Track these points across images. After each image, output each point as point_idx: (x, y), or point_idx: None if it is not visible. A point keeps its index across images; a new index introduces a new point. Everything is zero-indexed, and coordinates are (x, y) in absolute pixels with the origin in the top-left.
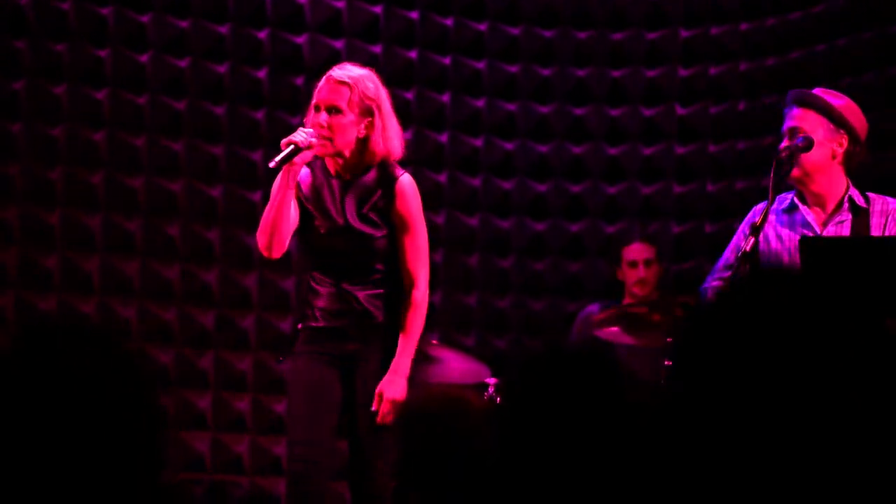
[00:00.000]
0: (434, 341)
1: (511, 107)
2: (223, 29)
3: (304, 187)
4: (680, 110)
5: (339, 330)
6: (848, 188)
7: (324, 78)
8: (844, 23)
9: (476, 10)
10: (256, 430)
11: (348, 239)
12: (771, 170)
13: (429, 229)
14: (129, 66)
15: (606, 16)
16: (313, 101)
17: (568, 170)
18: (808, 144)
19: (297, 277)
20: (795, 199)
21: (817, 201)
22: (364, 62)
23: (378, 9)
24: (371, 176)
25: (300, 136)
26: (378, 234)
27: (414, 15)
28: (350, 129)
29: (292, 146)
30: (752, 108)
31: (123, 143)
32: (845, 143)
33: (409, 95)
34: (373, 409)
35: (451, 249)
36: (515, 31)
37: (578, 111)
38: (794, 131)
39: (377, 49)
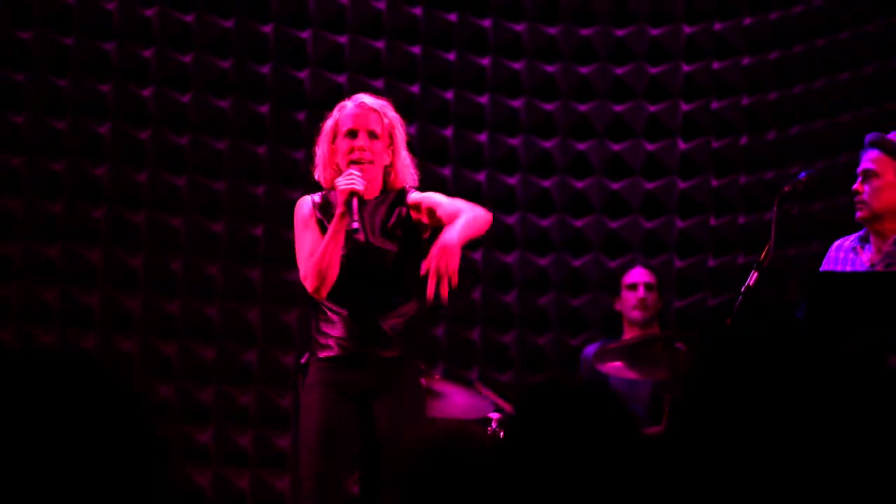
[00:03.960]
0: (437, 376)
1: (513, 142)
2: (266, 28)
3: (322, 214)
4: (682, 144)
5: (356, 360)
6: None
7: (353, 105)
8: (846, 56)
9: (479, 44)
10: (258, 464)
11: (369, 259)
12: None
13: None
14: (132, 100)
15: (609, 50)
16: (347, 127)
17: (570, 204)
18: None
19: (300, 311)
20: (859, 238)
21: (880, 240)
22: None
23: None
24: (389, 198)
25: (357, 182)
26: (399, 250)
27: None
28: (383, 155)
29: (355, 196)
30: (755, 143)
31: (125, 177)
32: None
33: (412, 130)
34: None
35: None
36: (518, 65)
37: (580, 145)
38: (867, 173)
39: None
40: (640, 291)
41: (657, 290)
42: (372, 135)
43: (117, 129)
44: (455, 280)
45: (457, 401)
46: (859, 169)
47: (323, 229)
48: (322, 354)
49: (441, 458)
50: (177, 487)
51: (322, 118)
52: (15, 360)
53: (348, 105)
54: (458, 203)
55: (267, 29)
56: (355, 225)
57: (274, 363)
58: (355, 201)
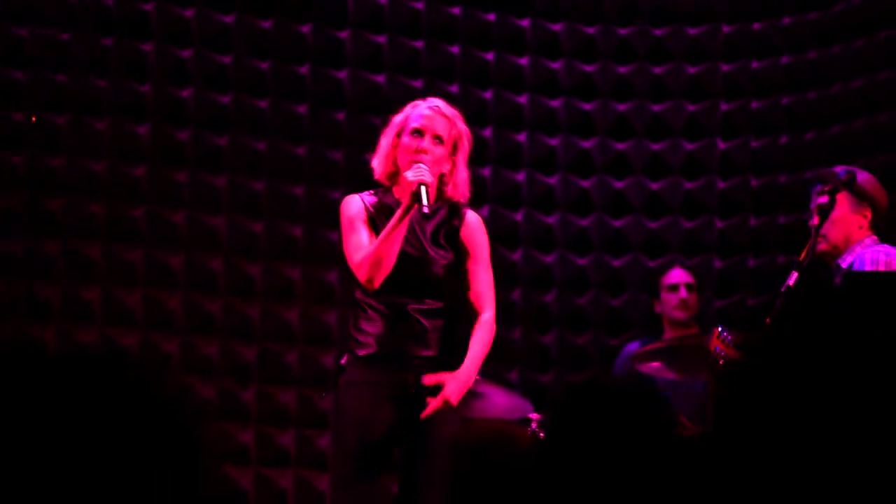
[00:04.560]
0: (477, 377)
1: (552, 141)
2: (305, 29)
3: (374, 211)
4: (721, 144)
5: (395, 358)
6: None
7: (426, 106)
8: (884, 56)
9: (518, 44)
10: (299, 464)
11: (418, 265)
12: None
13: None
14: (171, 101)
15: (647, 50)
16: (414, 125)
17: (609, 204)
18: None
19: (340, 311)
20: None
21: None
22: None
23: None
24: (444, 209)
25: (426, 175)
26: (446, 260)
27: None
28: (444, 163)
29: (424, 186)
30: (794, 142)
31: (165, 178)
32: (869, 214)
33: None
34: (427, 400)
35: (494, 284)
36: (556, 65)
37: (619, 145)
38: (821, 208)
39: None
40: (682, 292)
41: (697, 290)
42: (437, 139)
43: (157, 130)
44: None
45: (497, 401)
46: (812, 205)
47: (373, 225)
48: (360, 352)
49: (483, 457)
50: (216, 487)
51: (361, 118)
52: (55, 360)
53: (421, 105)
54: (486, 289)
55: (305, 29)
56: (426, 209)
57: (314, 363)
58: (423, 190)
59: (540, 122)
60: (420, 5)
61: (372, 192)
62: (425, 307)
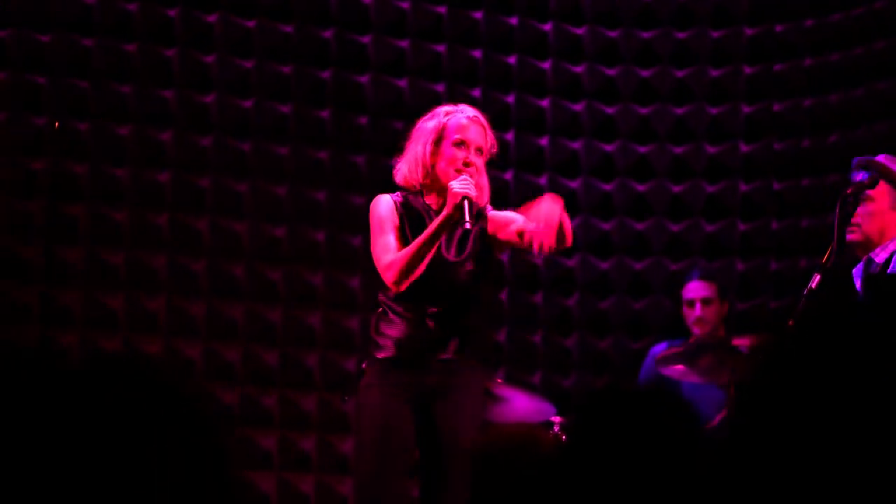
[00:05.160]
0: (499, 380)
1: (575, 145)
2: (327, 34)
3: (405, 212)
4: (744, 147)
5: (415, 361)
6: None
7: (464, 116)
8: None
9: (539, 48)
10: (322, 469)
11: (445, 270)
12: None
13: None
14: (194, 106)
15: (670, 53)
16: (457, 136)
17: (631, 207)
18: (874, 181)
19: (362, 315)
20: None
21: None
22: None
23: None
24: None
25: (471, 189)
26: (472, 266)
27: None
28: (483, 171)
29: (468, 200)
30: (818, 145)
31: (188, 184)
32: None
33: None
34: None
35: (516, 288)
36: (578, 69)
37: (641, 148)
38: (860, 187)
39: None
40: (697, 310)
41: (718, 299)
42: (479, 150)
43: (179, 136)
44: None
45: (519, 405)
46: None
47: (402, 227)
48: (380, 355)
49: (505, 461)
50: (239, 493)
51: (383, 123)
52: (79, 366)
53: (458, 113)
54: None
55: (328, 34)
56: (467, 225)
57: (336, 368)
58: (466, 204)
59: (562, 125)
60: (442, 9)
61: (401, 193)
62: (449, 313)
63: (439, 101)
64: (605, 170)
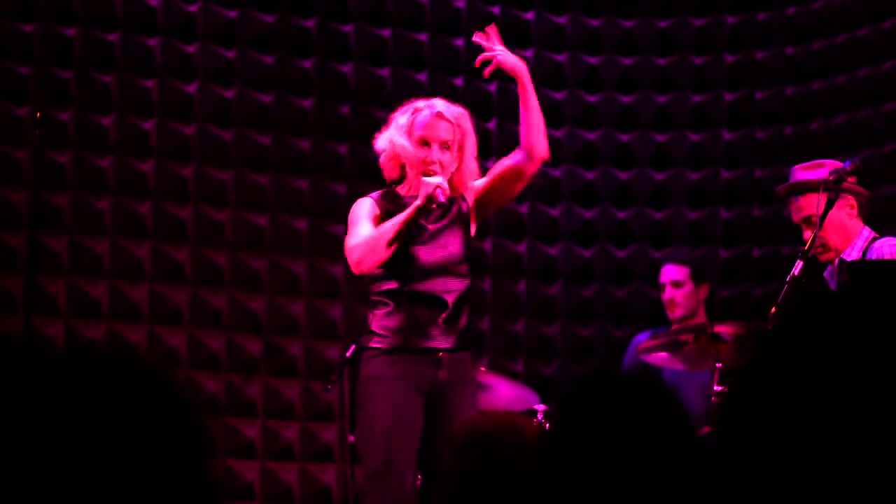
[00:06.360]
0: (483, 368)
1: (557, 133)
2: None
3: (387, 205)
4: (727, 135)
5: (420, 350)
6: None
7: (430, 113)
8: (889, 45)
9: (522, 37)
10: (305, 458)
11: (436, 248)
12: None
13: (476, 256)
14: (177, 95)
15: (651, 42)
16: (419, 134)
17: (614, 195)
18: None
19: (345, 305)
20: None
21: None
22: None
23: (461, 3)
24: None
25: (440, 183)
26: (459, 246)
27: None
28: (451, 165)
29: (439, 189)
30: (799, 133)
31: (171, 173)
32: (853, 201)
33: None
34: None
35: (499, 276)
36: (561, 57)
37: (624, 137)
38: (808, 220)
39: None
40: (667, 292)
41: (691, 281)
42: (444, 145)
43: (162, 126)
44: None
45: (502, 392)
46: (796, 221)
47: (384, 219)
48: (384, 345)
49: (489, 449)
50: (222, 481)
51: (365, 111)
52: (61, 356)
53: (424, 109)
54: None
55: (348, 28)
56: (441, 201)
57: (319, 357)
58: (439, 192)
59: (545, 114)
60: (461, 4)
61: (379, 193)
62: (443, 299)
63: (421, 90)
64: (588, 158)
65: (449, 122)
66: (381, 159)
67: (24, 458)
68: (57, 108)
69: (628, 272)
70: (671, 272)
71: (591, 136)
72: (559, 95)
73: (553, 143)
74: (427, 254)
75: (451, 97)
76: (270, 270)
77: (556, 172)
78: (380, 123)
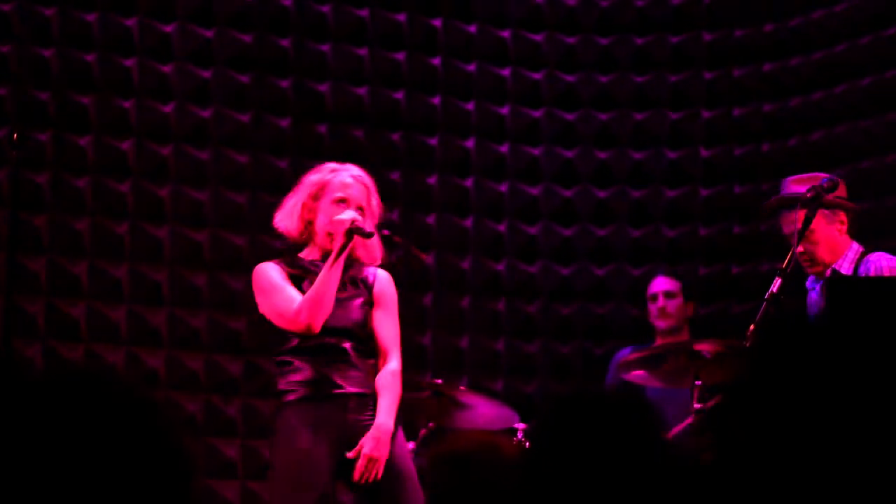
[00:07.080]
0: (462, 387)
1: (535, 151)
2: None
3: (293, 271)
4: (704, 152)
5: (327, 398)
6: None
7: (348, 175)
8: (867, 61)
9: (500, 55)
10: None
11: (342, 307)
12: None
13: (456, 274)
14: (154, 116)
15: (629, 60)
16: (339, 195)
17: (593, 213)
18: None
19: None
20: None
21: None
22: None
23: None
24: (357, 271)
25: (357, 216)
26: (364, 298)
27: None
28: (367, 226)
29: (355, 227)
30: (777, 150)
31: (148, 194)
32: (844, 217)
33: (433, 142)
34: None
35: (478, 294)
36: (538, 76)
37: (602, 154)
38: (801, 233)
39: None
40: (660, 301)
41: (681, 295)
42: (360, 209)
43: (139, 146)
44: (381, 471)
45: (482, 411)
46: (786, 233)
47: (297, 283)
48: (292, 398)
49: (468, 468)
50: (201, 501)
51: (342, 130)
52: (40, 377)
53: (342, 172)
54: (393, 340)
55: (325, 48)
56: (368, 229)
57: None
58: (359, 224)
59: (522, 132)
60: (402, 17)
61: (278, 259)
62: (354, 347)
63: (399, 110)
64: (567, 176)
65: (365, 186)
66: (284, 221)
67: (2, 478)
68: (34, 128)
69: (607, 290)
70: (664, 283)
71: (569, 153)
72: (537, 114)
73: (531, 160)
74: (331, 319)
75: (429, 116)
76: (249, 290)
77: (535, 191)
78: (357, 142)
